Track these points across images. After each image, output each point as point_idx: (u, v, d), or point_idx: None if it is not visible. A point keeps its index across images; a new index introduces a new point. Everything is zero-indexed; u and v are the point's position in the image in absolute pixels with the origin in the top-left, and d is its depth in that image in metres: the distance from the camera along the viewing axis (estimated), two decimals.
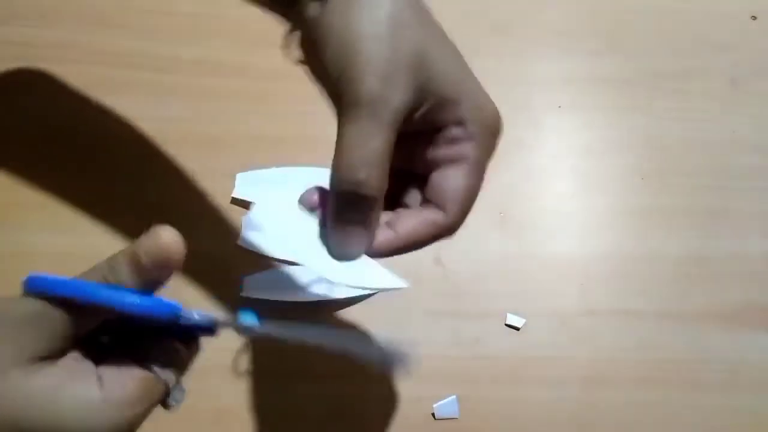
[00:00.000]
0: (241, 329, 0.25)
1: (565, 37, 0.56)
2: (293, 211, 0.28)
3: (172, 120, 0.50)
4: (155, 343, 0.25)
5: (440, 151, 0.27)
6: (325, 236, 0.28)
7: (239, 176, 0.49)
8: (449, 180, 0.27)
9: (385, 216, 0.28)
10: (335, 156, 0.26)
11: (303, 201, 0.28)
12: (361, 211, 0.26)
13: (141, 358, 0.24)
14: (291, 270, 0.47)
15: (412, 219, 0.28)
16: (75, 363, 0.24)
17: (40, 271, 0.23)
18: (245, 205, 0.48)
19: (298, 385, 0.45)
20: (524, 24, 0.56)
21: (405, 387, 0.45)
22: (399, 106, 0.25)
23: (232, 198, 0.48)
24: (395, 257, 0.44)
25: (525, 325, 0.47)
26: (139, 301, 0.23)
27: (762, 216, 0.51)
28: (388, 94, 0.25)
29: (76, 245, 0.46)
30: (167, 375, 0.24)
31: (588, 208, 0.51)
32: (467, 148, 0.27)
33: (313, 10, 0.26)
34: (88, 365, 0.24)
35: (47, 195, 0.48)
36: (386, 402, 0.45)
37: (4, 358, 0.22)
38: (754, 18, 0.56)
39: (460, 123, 0.27)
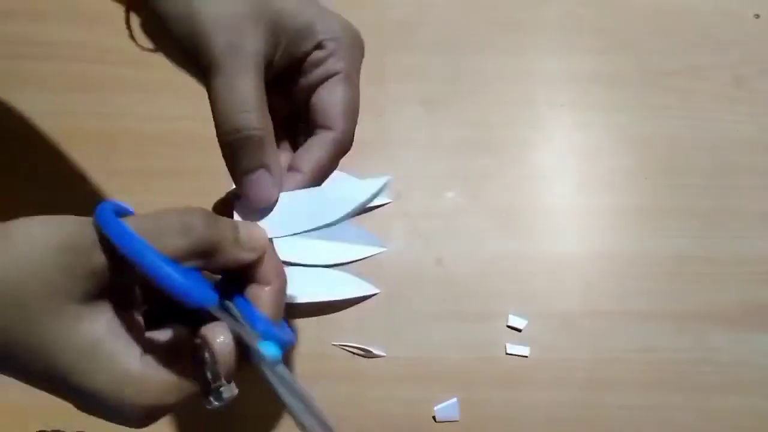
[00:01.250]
0: (262, 360, 0.23)
1: (568, 35, 0.55)
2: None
3: (171, 119, 0.50)
4: (213, 325, 0.24)
5: (310, 77, 0.28)
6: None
7: None
8: (327, 96, 0.28)
9: (285, 162, 0.29)
10: (214, 115, 0.27)
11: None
12: (255, 155, 0.26)
13: (194, 336, 0.23)
14: (288, 271, 0.47)
15: (309, 151, 0.28)
16: (117, 321, 0.23)
17: None
18: None
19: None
20: (527, 22, 0.56)
21: (406, 389, 0.45)
22: (253, 51, 0.26)
23: (230, 197, 0.48)
24: (395, 257, 0.44)
25: (527, 326, 0.46)
26: (176, 277, 0.21)
27: (762, 216, 0.51)
28: (238, 43, 0.26)
29: None
30: (213, 371, 0.23)
31: (590, 208, 0.50)
32: (333, 64, 0.28)
33: None
34: (129, 331, 0.23)
35: (41, 193, 0.47)
36: (387, 404, 0.45)
37: (59, 290, 0.21)
38: (757, 16, 0.56)
39: (319, 46, 0.28)
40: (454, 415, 0.44)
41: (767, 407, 0.46)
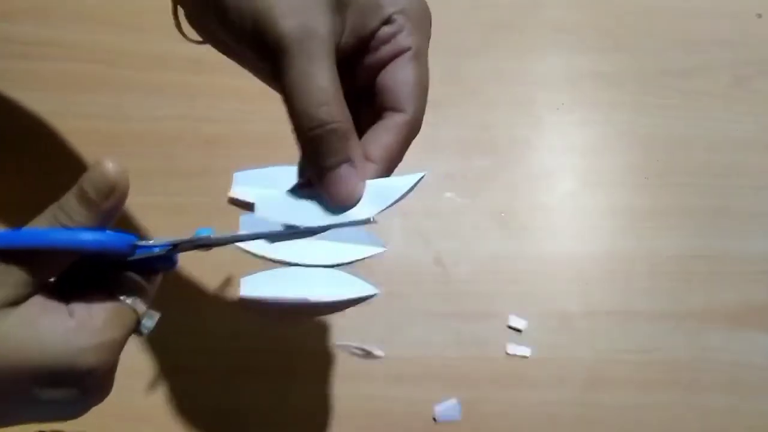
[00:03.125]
0: (198, 242, 0.25)
1: (567, 36, 0.55)
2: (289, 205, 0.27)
3: (170, 119, 0.50)
4: (117, 277, 0.26)
5: (377, 55, 0.26)
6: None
7: (236, 175, 0.49)
8: (396, 75, 0.26)
9: None
10: (288, 108, 0.25)
11: None
12: (340, 149, 0.25)
13: (106, 292, 0.25)
14: (289, 270, 0.47)
15: (379, 137, 0.26)
16: (43, 300, 0.24)
17: None
18: (243, 204, 0.48)
19: (298, 386, 0.45)
20: (526, 22, 0.56)
21: (406, 389, 0.45)
22: (326, 33, 0.24)
23: (230, 197, 0.48)
24: (395, 257, 0.44)
25: (527, 326, 0.46)
26: (92, 237, 0.23)
27: (762, 216, 0.51)
28: (311, 25, 0.24)
29: None
30: (134, 302, 0.25)
31: (590, 208, 0.50)
32: (402, 39, 0.26)
33: None
34: (56, 302, 0.24)
35: (41, 194, 0.47)
36: (387, 404, 0.44)
37: None
38: (759, 16, 0.56)
39: (387, 21, 0.26)
40: (454, 415, 0.44)
41: (767, 407, 0.46)
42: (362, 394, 0.45)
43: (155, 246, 0.25)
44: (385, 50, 0.26)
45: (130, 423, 0.43)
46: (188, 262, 0.43)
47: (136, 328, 0.26)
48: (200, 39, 0.30)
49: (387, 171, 0.27)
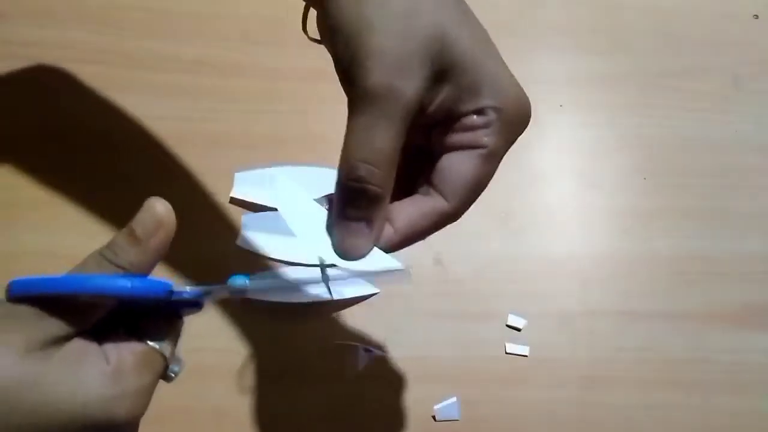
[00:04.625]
0: (234, 291, 0.25)
1: (567, 37, 0.55)
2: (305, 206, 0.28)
3: (171, 119, 0.50)
4: (145, 320, 0.25)
5: (456, 137, 0.26)
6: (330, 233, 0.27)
7: (238, 175, 0.49)
8: (458, 165, 0.26)
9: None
10: (342, 149, 0.25)
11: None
12: (364, 208, 0.25)
13: (135, 335, 0.25)
14: (290, 270, 0.47)
15: (410, 210, 0.26)
16: (81, 344, 0.24)
17: (34, 271, 0.23)
18: (244, 204, 0.48)
19: (298, 385, 0.45)
20: (526, 23, 0.56)
21: (405, 388, 0.45)
22: (410, 101, 0.24)
23: (231, 197, 0.48)
24: (396, 256, 0.44)
25: (526, 325, 0.46)
26: (131, 284, 0.23)
27: (762, 216, 0.51)
28: (398, 86, 0.23)
29: (71, 246, 0.45)
30: (162, 346, 0.25)
31: (589, 208, 0.51)
32: (483, 136, 0.25)
33: None
34: (93, 345, 0.24)
35: (43, 194, 0.47)
36: (386, 403, 0.45)
37: (17, 345, 0.22)
38: (756, 17, 0.56)
39: (479, 112, 0.25)
40: (454, 414, 0.44)
41: (767, 407, 0.46)
42: (362, 394, 0.45)
43: (189, 293, 0.25)
44: (465, 137, 0.26)
45: None
46: (188, 263, 0.43)
47: (164, 374, 0.26)
48: (319, 39, 0.30)
49: (402, 245, 0.27)
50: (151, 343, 0.25)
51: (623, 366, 0.46)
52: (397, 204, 0.27)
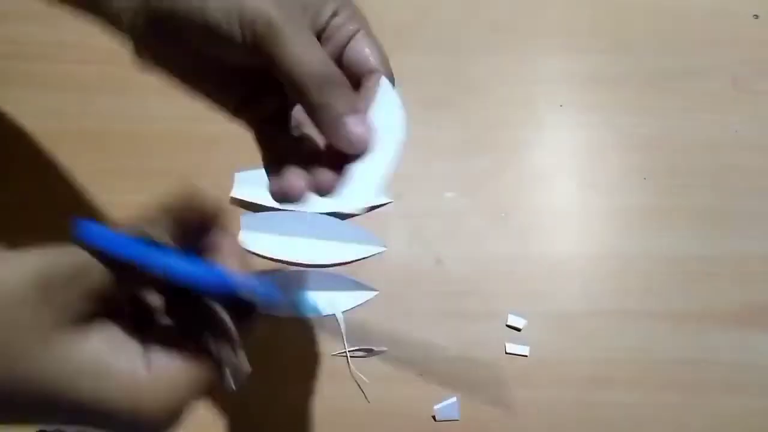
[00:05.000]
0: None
1: (567, 36, 0.55)
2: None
3: (171, 119, 0.50)
4: (206, 312, 0.23)
5: (336, 39, 0.29)
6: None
7: (238, 175, 0.49)
8: (358, 49, 0.29)
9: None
10: (293, 77, 0.26)
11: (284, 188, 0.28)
12: (351, 99, 0.27)
13: (190, 330, 0.23)
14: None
15: (365, 94, 0.29)
16: (116, 334, 0.22)
17: None
18: (244, 204, 0.48)
19: (298, 385, 0.45)
20: (526, 22, 0.56)
21: (405, 388, 0.45)
22: (302, 16, 0.27)
23: (231, 197, 0.48)
24: (395, 257, 0.44)
25: (526, 325, 0.47)
26: (194, 270, 0.21)
27: (762, 216, 0.51)
28: (292, 13, 0.26)
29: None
30: (219, 352, 0.22)
31: (589, 208, 0.51)
32: (352, 24, 0.29)
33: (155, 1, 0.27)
34: (130, 339, 0.22)
35: (42, 194, 0.47)
36: (386, 403, 0.45)
37: (44, 322, 0.21)
38: (756, 17, 0.56)
39: (334, 14, 0.29)
40: (454, 414, 0.44)
41: (767, 407, 0.46)
42: (362, 394, 0.45)
43: (258, 288, 0.23)
44: (341, 34, 0.29)
45: None
46: None
47: (218, 384, 0.23)
48: (153, 70, 0.31)
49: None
50: (207, 341, 0.22)
51: (623, 366, 0.46)
52: (358, 100, 0.29)
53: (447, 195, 0.50)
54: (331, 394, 0.45)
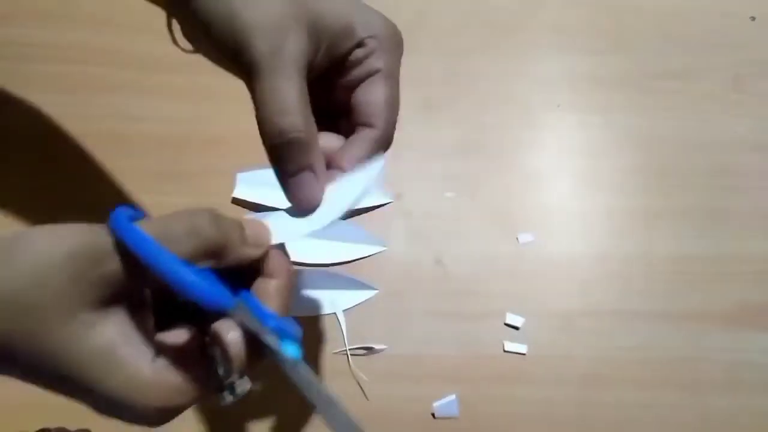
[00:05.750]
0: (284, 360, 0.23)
1: (565, 36, 0.56)
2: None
3: (173, 120, 0.50)
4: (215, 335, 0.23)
5: (351, 76, 0.28)
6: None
7: (240, 175, 0.49)
8: (368, 95, 0.28)
9: (337, 144, 0.29)
10: (258, 120, 0.26)
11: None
12: (300, 157, 0.26)
13: (203, 334, 0.23)
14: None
15: (350, 149, 0.28)
16: (129, 325, 0.23)
17: None
18: (246, 204, 0.49)
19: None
20: (523, 23, 0.56)
21: (405, 386, 0.45)
22: (295, 52, 0.26)
23: (233, 197, 0.49)
24: (395, 257, 0.44)
25: (524, 324, 0.47)
26: (193, 280, 0.21)
27: (762, 216, 0.51)
28: (280, 45, 0.25)
29: None
30: (221, 367, 0.23)
31: (588, 208, 0.51)
32: (373, 62, 0.28)
33: None
34: (141, 334, 0.23)
35: (42, 194, 0.48)
36: (386, 401, 0.45)
37: (73, 295, 0.22)
38: (753, 19, 0.56)
39: (359, 45, 0.28)
40: (453, 411, 0.45)
41: (767, 407, 0.46)
42: (362, 393, 0.45)
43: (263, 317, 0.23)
44: (358, 71, 0.28)
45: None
46: None
47: (219, 391, 0.24)
48: (192, 48, 0.32)
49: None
50: (215, 356, 0.23)
51: (621, 365, 0.46)
52: (338, 152, 0.28)
53: (447, 195, 0.50)
54: (331, 391, 0.45)
